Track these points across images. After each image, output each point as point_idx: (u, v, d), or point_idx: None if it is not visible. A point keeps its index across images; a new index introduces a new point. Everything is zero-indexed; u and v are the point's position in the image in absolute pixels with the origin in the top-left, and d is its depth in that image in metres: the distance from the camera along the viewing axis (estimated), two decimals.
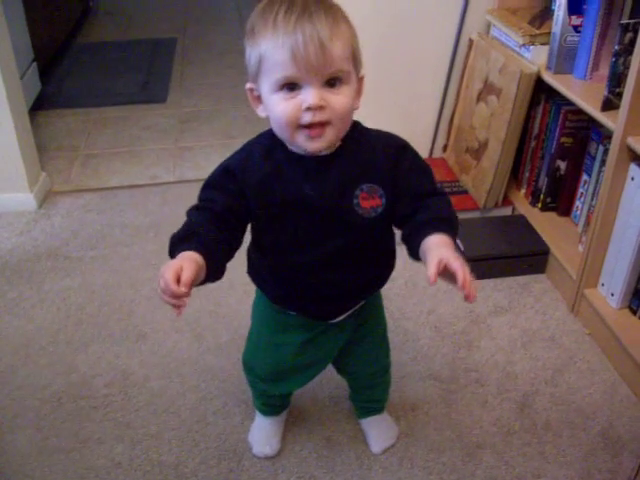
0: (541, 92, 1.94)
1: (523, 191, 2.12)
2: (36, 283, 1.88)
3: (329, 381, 1.54)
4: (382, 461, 1.38)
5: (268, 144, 1.03)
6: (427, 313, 1.76)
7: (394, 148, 1.04)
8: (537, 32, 1.88)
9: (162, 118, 2.89)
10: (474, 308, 1.78)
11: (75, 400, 1.51)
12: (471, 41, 2.14)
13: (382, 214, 1.03)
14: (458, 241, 1.88)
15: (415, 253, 0.99)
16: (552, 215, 2.01)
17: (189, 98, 3.08)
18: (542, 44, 1.87)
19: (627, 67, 1.50)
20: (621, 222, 1.58)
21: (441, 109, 2.26)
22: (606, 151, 1.69)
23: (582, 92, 1.72)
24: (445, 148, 2.32)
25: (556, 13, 1.80)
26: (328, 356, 1.27)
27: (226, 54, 3.59)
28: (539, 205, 2.03)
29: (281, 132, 0.98)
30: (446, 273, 0.89)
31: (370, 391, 1.40)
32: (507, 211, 2.11)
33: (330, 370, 1.41)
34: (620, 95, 1.52)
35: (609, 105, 1.58)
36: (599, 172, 1.77)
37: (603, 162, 1.73)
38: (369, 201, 1.02)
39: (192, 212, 1.02)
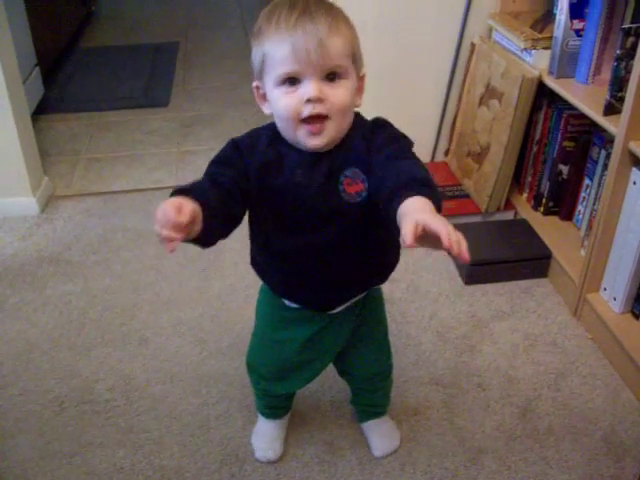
0: (543, 96, 1.94)
1: (525, 195, 2.12)
2: (38, 287, 1.88)
3: (331, 386, 1.54)
4: (384, 466, 1.38)
5: (274, 132, 1.06)
6: (429, 317, 1.76)
7: (368, 127, 1.06)
8: (539, 36, 1.89)
9: (164, 122, 2.89)
10: (476, 312, 1.78)
11: (77, 405, 1.52)
12: (473, 45, 2.14)
13: (367, 198, 1.03)
14: None
15: (395, 226, 0.86)
16: (554, 219, 2.01)
17: (191, 102, 3.09)
18: (544, 48, 1.87)
19: (629, 71, 1.50)
20: (623, 226, 1.58)
21: (443, 113, 2.26)
22: (608, 155, 1.69)
23: (584, 96, 1.72)
24: (447, 152, 2.32)
25: (558, 17, 1.80)
26: (329, 354, 1.28)
27: (228, 58, 3.59)
28: (541, 209, 2.03)
29: (284, 127, 1.02)
30: (427, 237, 0.77)
31: (371, 394, 1.40)
32: (509, 215, 2.11)
33: (332, 375, 1.41)
34: (622, 99, 1.52)
35: (611, 109, 1.58)
36: (601, 176, 1.77)
37: (605, 166, 1.73)
38: (353, 186, 1.03)
39: (201, 179, 1.02)
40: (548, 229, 1.96)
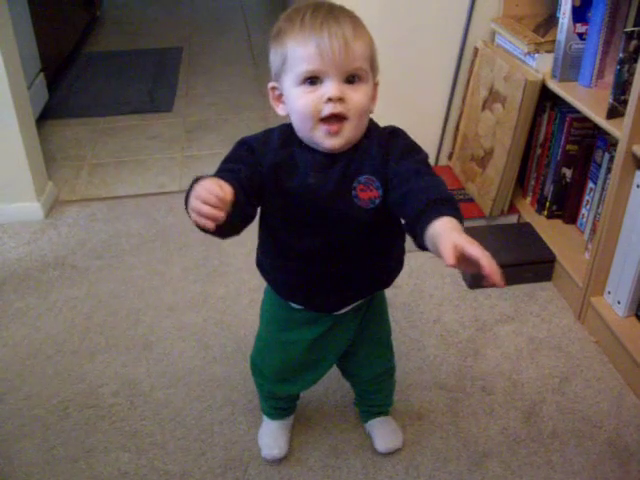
0: (546, 100, 1.94)
1: (529, 199, 2.11)
2: (43, 292, 1.88)
3: (335, 390, 1.54)
4: (388, 470, 1.38)
5: (287, 134, 1.07)
6: (433, 322, 1.76)
7: (385, 135, 1.07)
8: (542, 40, 1.89)
9: (168, 127, 2.90)
10: (480, 316, 1.78)
11: (82, 409, 1.52)
12: (476, 49, 2.14)
13: (380, 206, 1.04)
14: None
15: (421, 242, 0.91)
16: (558, 223, 2.01)
17: (195, 107, 3.10)
18: (547, 52, 1.87)
19: (632, 74, 1.50)
20: (627, 230, 1.58)
21: (446, 117, 2.26)
22: (612, 159, 1.69)
23: (587, 100, 1.72)
24: (451, 156, 2.32)
25: (561, 21, 1.80)
26: (333, 355, 1.28)
27: (232, 64, 3.60)
28: (545, 213, 2.03)
29: (301, 126, 1.02)
30: (463, 260, 0.80)
31: (375, 395, 1.41)
32: (513, 219, 2.10)
33: (336, 379, 1.41)
34: (625, 103, 1.52)
35: (614, 113, 1.58)
36: (605, 180, 1.76)
37: (609, 170, 1.73)
38: (367, 193, 1.04)
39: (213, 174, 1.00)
40: (552, 233, 1.96)
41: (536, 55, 1.89)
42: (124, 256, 2.04)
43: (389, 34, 2.07)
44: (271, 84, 1.06)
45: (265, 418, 1.44)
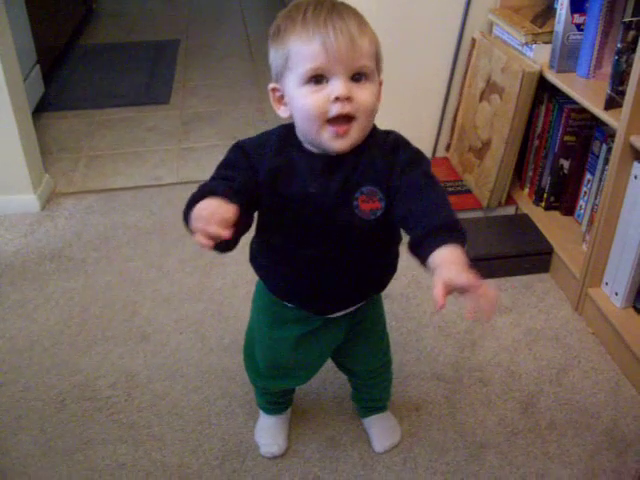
0: (544, 91, 1.93)
1: (526, 190, 2.11)
2: (40, 284, 1.88)
3: (332, 381, 1.54)
4: (386, 461, 1.38)
5: (284, 137, 1.04)
6: (430, 313, 1.76)
7: (389, 148, 1.03)
8: (540, 31, 1.88)
9: (165, 119, 2.89)
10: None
11: (79, 401, 1.52)
12: (474, 40, 2.13)
13: (381, 217, 1.02)
14: None
15: (425, 265, 0.91)
16: (555, 214, 2.01)
17: (192, 99, 3.09)
18: (545, 43, 1.87)
19: (630, 65, 1.50)
20: (625, 221, 1.58)
21: (444, 108, 2.26)
22: (609, 150, 1.69)
23: (585, 90, 1.72)
24: (448, 147, 2.31)
25: (558, 11, 1.80)
26: (325, 353, 1.28)
27: (229, 56, 3.59)
28: (542, 204, 2.03)
29: (307, 128, 0.99)
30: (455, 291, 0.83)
31: (371, 389, 1.40)
32: (510, 210, 2.10)
33: (333, 371, 1.41)
34: (623, 93, 1.51)
35: (612, 103, 1.58)
36: (602, 171, 1.76)
37: (606, 161, 1.72)
38: (368, 204, 1.01)
39: (210, 182, 0.99)
40: (549, 224, 1.96)
41: (534, 46, 1.88)
42: (121, 248, 2.04)
43: (386, 25, 2.06)
44: (271, 85, 1.02)
45: (262, 413, 1.43)
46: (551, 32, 1.84)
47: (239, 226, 0.89)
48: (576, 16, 1.77)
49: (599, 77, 1.75)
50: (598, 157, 1.80)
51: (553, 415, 1.48)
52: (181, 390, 1.54)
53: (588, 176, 1.87)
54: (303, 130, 1.00)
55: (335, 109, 0.94)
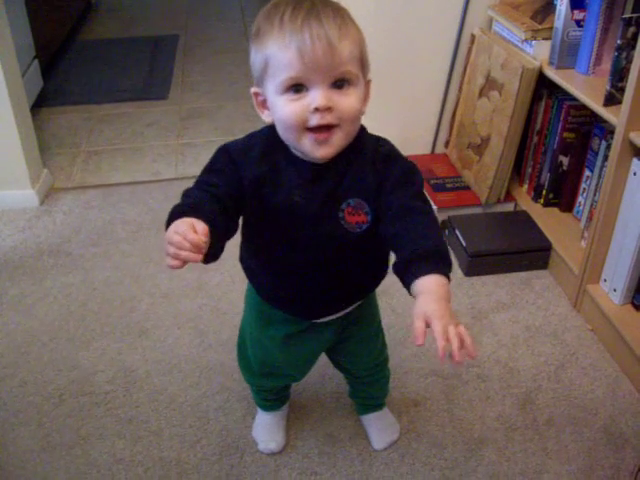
0: (543, 87, 1.93)
1: (525, 187, 2.11)
2: (38, 280, 1.88)
3: (331, 378, 1.54)
4: (384, 457, 1.38)
5: (270, 140, 1.00)
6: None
7: (381, 160, 1.00)
8: (539, 27, 1.88)
9: (164, 115, 2.89)
10: (476, 304, 1.78)
11: (77, 396, 1.52)
12: (473, 36, 2.13)
13: (367, 230, 1.00)
14: (460, 237, 1.88)
15: (408, 290, 0.89)
16: (554, 211, 2.01)
17: (191, 95, 3.08)
18: (544, 39, 1.86)
19: (630, 61, 1.50)
20: (623, 217, 1.57)
21: (443, 105, 2.26)
22: (609, 146, 1.69)
23: (584, 87, 1.72)
24: (447, 144, 2.31)
25: (558, 8, 1.79)
26: (315, 353, 1.27)
27: (228, 51, 3.58)
28: (541, 201, 2.03)
29: (287, 136, 0.95)
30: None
31: (368, 387, 1.40)
32: (509, 207, 2.10)
33: (332, 366, 1.41)
34: (623, 90, 1.51)
35: (611, 100, 1.58)
36: (601, 167, 1.76)
37: (605, 157, 1.72)
38: (354, 217, 0.99)
39: (193, 191, 0.96)
40: (548, 220, 1.96)
41: (533, 42, 1.88)
42: (119, 243, 2.03)
43: (386, 22, 2.06)
44: (253, 89, 0.98)
45: (259, 410, 1.43)
46: (551, 28, 1.84)
47: (216, 242, 0.87)
48: (576, 12, 1.76)
49: (599, 73, 1.74)
50: (597, 154, 1.80)
51: (551, 411, 1.48)
52: (179, 385, 1.54)
53: (587, 173, 1.86)
54: (284, 137, 0.96)
55: (315, 119, 0.90)
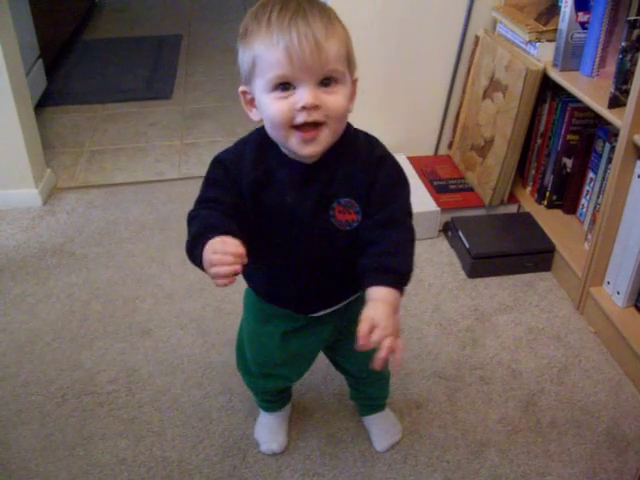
0: (547, 89, 1.93)
1: (529, 189, 2.11)
2: (41, 279, 1.88)
3: (333, 378, 1.54)
4: (386, 458, 1.38)
5: (261, 144, 1.02)
6: (432, 310, 1.76)
7: (374, 161, 1.02)
8: (543, 29, 1.88)
9: (167, 115, 2.89)
10: (479, 306, 1.77)
11: (79, 396, 1.52)
12: (477, 38, 2.13)
13: (357, 228, 1.02)
14: (463, 238, 1.88)
15: (363, 290, 0.99)
16: (558, 213, 2.01)
17: (194, 95, 3.08)
18: (548, 41, 1.86)
19: (634, 64, 1.50)
20: (627, 220, 1.57)
21: (447, 106, 2.25)
22: (612, 149, 1.69)
23: (589, 89, 1.71)
24: (451, 145, 2.31)
25: (563, 10, 1.79)
26: (313, 351, 1.27)
27: (231, 51, 3.55)
28: (545, 203, 2.03)
29: (274, 133, 0.97)
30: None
31: (368, 388, 1.40)
32: (513, 209, 2.10)
33: (333, 368, 1.40)
34: (627, 92, 1.51)
35: (616, 102, 1.58)
36: (605, 170, 1.76)
37: (609, 160, 1.72)
38: (345, 215, 1.01)
39: (200, 213, 0.98)
40: (552, 223, 1.96)
41: (538, 44, 1.88)
42: (122, 243, 2.04)
43: (390, 23, 2.06)
44: (241, 88, 1.00)
45: (261, 411, 1.43)
46: (555, 30, 1.83)
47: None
48: (580, 14, 1.76)
49: (603, 76, 1.74)
50: (601, 156, 1.80)
51: (554, 414, 1.48)
52: (182, 385, 1.54)
53: (591, 175, 1.86)
54: (272, 135, 0.98)
55: (301, 117, 0.92)
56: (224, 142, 2.56)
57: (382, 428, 1.42)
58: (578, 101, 1.76)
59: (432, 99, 2.24)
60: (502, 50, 1.97)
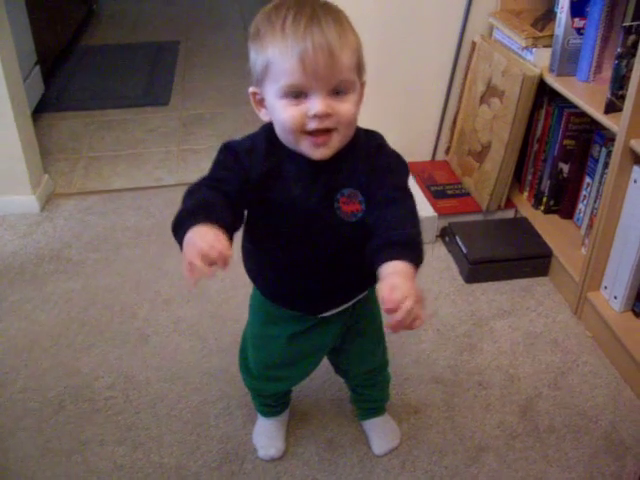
0: (544, 95, 1.94)
1: (526, 194, 2.11)
2: (39, 285, 1.88)
3: (332, 384, 1.54)
4: (384, 464, 1.38)
5: (271, 140, 1.02)
6: (429, 316, 1.76)
7: (372, 151, 1.04)
8: (540, 34, 1.88)
9: (165, 121, 2.89)
10: (476, 311, 1.78)
11: (77, 402, 1.51)
12: (474, 44, 2.14)
13: (363, 219, 1.02)
14: (460, 244, 1.88)
15: (375, 274, 0.93)
16: (555, 218, 2.01)
17: (192, 101, 3.09)
18: (545, 46, 1.87)
19: (630, 69, 1.50)
20: (624, 225, 1.58)
21: (444, 112, 2.26)
22: (609, 154, 1.69)
23: (585, 94, 1.72)
24: (448, 150, 2.31)
25: (559, 15, 1.80)
26: (319, 352, 1.27)
27: (229, 57, 3.59)
28: (542, 208, 2.03)
29: (285, 137, 0.99)
30: None
31: (369, 390, 1.40)
32: (510, 214, 2.10)
33: (332, 373, 1.41)
34: (623, 97, 1.52)
35: (612, 107, 1.58)
36: (602, 175, 1.76)
37: (606, 165, 1.72)
38: (349, 206, 1.02)
39: (202, 188, 0.98)
40: (549, 228, 1.96)
41: (534, 50, 1.88)
42: (120, 249, 2.03)
43: (386, 28, 2.07)
44: (252, 89, 1.01)
45: (259, 416, 1.43)
46: (551, 36, 1.84)
47: (230, 238, 0.90)
48: (576, 20, 1.77)
49: (599, 81, 1.75)
50: (598, 161, 1.80)
51: (552, 419, 1.48)
52: (180, 392, 1.54)
53: (587, 180, 1.87)
54: (282, 138, 0.99)
55: (313, 124, 0.94)
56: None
57: (381, 432, 1.42)
58: (574, 106, 1.76)
59: (429, 104, 2.25)
60: (499, 56, 1.98)
